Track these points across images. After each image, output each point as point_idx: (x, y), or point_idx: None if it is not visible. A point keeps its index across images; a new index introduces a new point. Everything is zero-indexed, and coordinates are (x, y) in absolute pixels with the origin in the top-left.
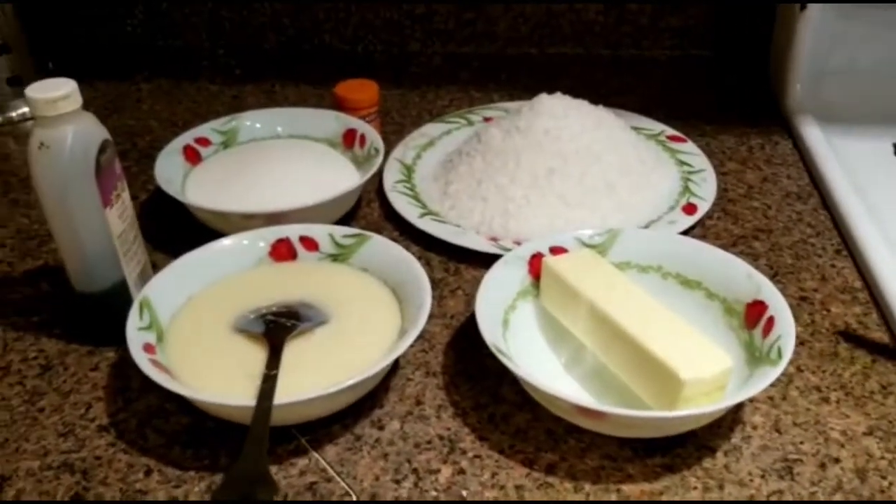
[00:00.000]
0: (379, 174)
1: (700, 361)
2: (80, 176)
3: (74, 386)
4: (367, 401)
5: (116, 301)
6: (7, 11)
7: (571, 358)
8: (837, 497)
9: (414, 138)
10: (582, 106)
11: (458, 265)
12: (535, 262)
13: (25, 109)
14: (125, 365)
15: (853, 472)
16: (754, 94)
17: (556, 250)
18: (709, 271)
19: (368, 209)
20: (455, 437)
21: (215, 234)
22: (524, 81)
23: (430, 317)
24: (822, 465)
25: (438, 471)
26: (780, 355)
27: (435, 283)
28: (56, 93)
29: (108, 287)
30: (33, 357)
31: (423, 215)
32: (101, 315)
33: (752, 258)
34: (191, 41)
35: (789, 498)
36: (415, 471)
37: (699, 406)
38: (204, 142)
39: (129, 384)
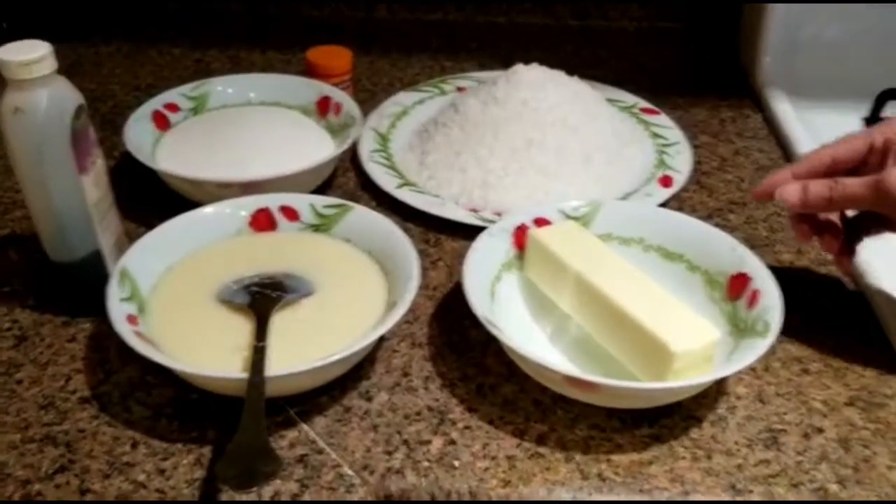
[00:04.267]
0: (353, 143)
1: (688, 333)
2: (56, 141)
3: (52, 357)
4: (354, 372)
5: (92, 271)
6: None
7: (556, 329)
8: (823, 466)
9: (387, 107)
10: (558, 77)
11: (437, 236)
12: (520, 233)
13: None
14: (103, 336)
15: (837, 442)
16: (724, 68)
17: (540, 222)
18: (691, 244)
19: (344, 178)
20: (444, 408)
21: (185, 204)
22: (494, 51)
23: None
24: (806, 435)
25: (429, 442)
26: (767, 327)
27: None
28: (31, 55)
29: (83, 256)
30: (7, 328)
31: (401, 185)
32: (77, 285)
33: (728, 231)
34: (151, 2)
35: (776, 467)
36: (405, 442)
37: (688, 377)
38: (173, 107)
39: (108, 356)
